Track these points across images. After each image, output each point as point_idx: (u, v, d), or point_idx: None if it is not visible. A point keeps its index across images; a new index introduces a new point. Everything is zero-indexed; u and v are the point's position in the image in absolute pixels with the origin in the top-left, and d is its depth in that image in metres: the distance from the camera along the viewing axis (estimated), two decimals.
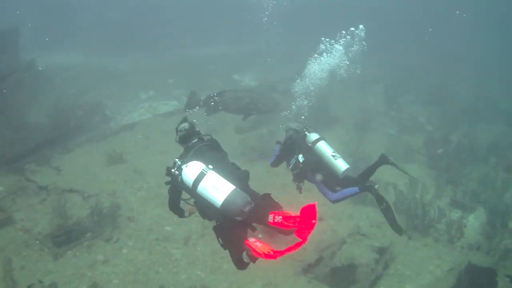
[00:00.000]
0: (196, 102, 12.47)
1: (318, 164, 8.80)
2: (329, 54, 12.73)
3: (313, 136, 8.92)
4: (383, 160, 8.80)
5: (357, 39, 13.53)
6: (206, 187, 5.32)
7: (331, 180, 8.67)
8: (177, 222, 11.64)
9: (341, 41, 12.92)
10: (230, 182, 5.41)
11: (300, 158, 8.88)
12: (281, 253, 5.12)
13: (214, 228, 5.77)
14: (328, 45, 12.88)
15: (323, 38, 12.97)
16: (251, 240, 5.49)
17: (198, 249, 10.84)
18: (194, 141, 6.36)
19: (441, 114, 22.07)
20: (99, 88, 23.18)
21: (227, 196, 5.22)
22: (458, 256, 11.20)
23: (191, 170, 5.50)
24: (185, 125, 6.63)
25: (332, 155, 8.55)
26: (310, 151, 8.83)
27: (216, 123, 15.34)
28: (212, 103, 12.58)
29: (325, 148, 8.74)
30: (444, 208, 12.99)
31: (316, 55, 12.57)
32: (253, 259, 5.47)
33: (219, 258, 10.42)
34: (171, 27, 33.61)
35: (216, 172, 5.47)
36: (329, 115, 19.57)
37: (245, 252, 5.48)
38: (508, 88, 28.56)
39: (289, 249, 5.12)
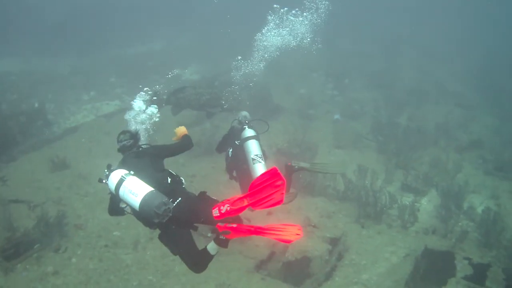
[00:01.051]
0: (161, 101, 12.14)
1: (237, 161, 9.18)
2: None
3: (248, 133, 9.15)
4: (290, 171, 9.16)
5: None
6: (125, 192, 5.66)
7: (245, 182, 8.74)
8: (125, 226, 11.61)
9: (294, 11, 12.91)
10: (149, 185, 5.73)
11: (230, 151, 9.33)
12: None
13: (159, 238, 6.29)
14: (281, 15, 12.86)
15: (276, 6, 12.92)
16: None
17: (148, 253, 10.70)
18: (130, 151, 6.81)
19: (387, 97, 22.23)
20: (40, 92, 22.64)
21: (142, 199, 5.49)
22: (413, 241, 11.33)
23: (112, 178, 5.91)
24: (124, 136, 7.00)
25: (252, 158, 8.81)
26: (241, 147, 9.09)
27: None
28: (174, 101, 12.83)
29: (250, 149, 8.95)
30: (396, 193, 13.14)
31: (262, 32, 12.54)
32: (226, 243, 6.14)
33: (170, 261, 10.28)
34: (109, 26, 33.21)
35: (136, 177, 5.82)
36: (272, 104, 19.37)
37: (218, 236, 6.07)
38: (452, 69, 29.14)
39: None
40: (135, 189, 5.58)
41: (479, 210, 12.60)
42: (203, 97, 13.18)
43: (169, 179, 6.43)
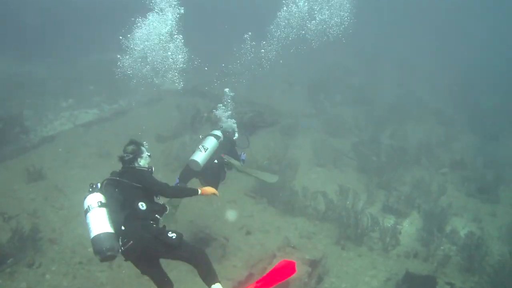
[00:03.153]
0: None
1: None
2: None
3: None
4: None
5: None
6: (87, 222, 6.31)
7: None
8: None
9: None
10: (109, 222, 6.31)
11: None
12: None
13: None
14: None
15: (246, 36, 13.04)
16: None
17: (123, 271, 10.58)
18: (123, 167, 7.22)
19: (368, 113, 22.52)
20: (18, 98, 22.43)
21: (93, 237, 6.17)
22: (394, 265, 11.52)
23: (85, 202, 6.49)
24: (127, 148, 7.39)
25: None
26: None
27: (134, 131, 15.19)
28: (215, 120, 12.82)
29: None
30: (377, 215, 13.31)
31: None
32: None
33: (146, 280, 10.11)
34: (88, 31, 33.05)
35: (99, 211, 6.34)
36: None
37: None
38: (433, 85, 29.56)
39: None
40: (92, 225, 6.21)
41: (462, 233, 12.85)
42: (246, 115, 13.86)
43: (137, 215, 6.67)
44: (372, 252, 11.92)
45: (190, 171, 10.19)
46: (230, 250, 11.34)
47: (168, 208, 7.22)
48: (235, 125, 11.33)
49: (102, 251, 6.07)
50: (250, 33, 14.63)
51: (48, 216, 12.68)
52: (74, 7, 37.07)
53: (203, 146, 9.96)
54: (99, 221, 6.22)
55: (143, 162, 7.39)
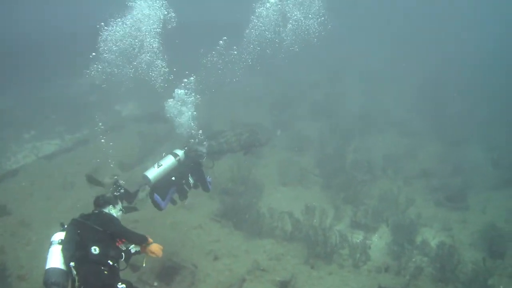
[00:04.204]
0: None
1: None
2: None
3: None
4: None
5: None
6: (48, 253, 6.74)
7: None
8: None
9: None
10: (63, 260, 6.63)
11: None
12: None
13: None
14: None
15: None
16: None
17: None
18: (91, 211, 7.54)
19: (332, 127, 22.53)
20: None
21: (45, 270, 6.54)
22: (366, 280, 11.49)
23: (52, 236, 6.90)
24: (97, 200, 7.72)
25: None
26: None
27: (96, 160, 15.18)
28: (217, 147, 13.71)
29: None
30: (345, 231, 13.40)
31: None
32: None
33: None
34: (47, 60, 32.75)
35: (56, 249, 6.71)
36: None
37: None
38: (397, 95, 29.81)
39: None
40: (48, 259, 6.63)
41: (433, 243, 12.89)
42: (243, 136, 14.08)
43: (88, 259, 6.74)
44: (342, 269, 11.88)
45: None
46: (199, 277, 11.24)
47: (124, 256, 7.21)
48: (203, 148, 11.56)
49: (47, 283, 6.40)
50: (225, 38, 14.75)
51: (16, 252, 12.49)
52: (33, 36, 36.79)
53: (158, 163, 10.49)
54: (53, 257, 6.61)
55: (114, 210, 7.67)
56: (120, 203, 7.93)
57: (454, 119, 25.00)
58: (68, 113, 24.45)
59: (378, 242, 13.40)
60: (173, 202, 10.81)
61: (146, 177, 10.31)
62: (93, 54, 13.78)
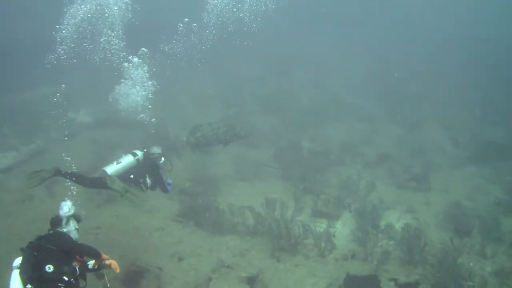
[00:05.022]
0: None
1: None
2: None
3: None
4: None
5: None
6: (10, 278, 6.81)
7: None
8: None
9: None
10: (23, 285, 6.66)
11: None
12: None
13: None
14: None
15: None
16: None
17: None
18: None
19: (285, 120, 22.41)
20: None
21: None
22: (333, 269, 11.33)
23: (14, 261, 6.99)
24: (52, 220, 7.73)
25: None
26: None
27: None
28: (194, 141, 14.16)
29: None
30: (308, 221, 13.19)
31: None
32: None
33: None
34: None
35: (15, 274, 6.78)
36: (169, 140, 19.14)
37: None
38: (347, 81, 30.01)
39: None
40: (9, 284, 6.72)
41: (398, 226, 12.85)
42: (220, 131, 14.41)
43: (44, 278, 6.80)
44: (308, 260, 11.69)
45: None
46: (165, 279, 11.00)
47: (78, 271, 7.26)
48: (159, 149, 11.74)
49: None
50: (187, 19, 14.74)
51: None
52: None
53: (117, 160, 10.87)
54: (12, 281, 6.71)
55: (67, 228, 7.67)
56: (74, 221, 7.85)
57: (410, 101, 25.23)
58: (21, 125, 23.82)
59: (342, 229, 13.25)
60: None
61: (104, 172, 10.61)
62: (48, 65, 13.57)
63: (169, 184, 11.59)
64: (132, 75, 13.40)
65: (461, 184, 16.47)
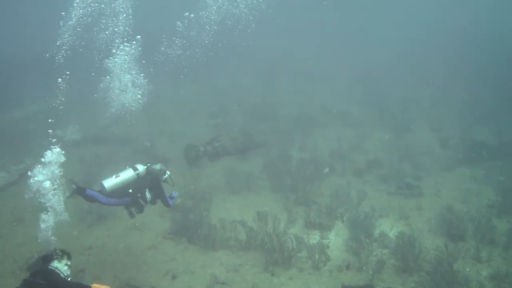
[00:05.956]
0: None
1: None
2: None
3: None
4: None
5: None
6: None
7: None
8: None
9: None
10: None
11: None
12: None
13: None
14: None
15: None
16: None
17: None
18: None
19: (273, 129, 22.46)
20: None
21: None
22: (328, 281, 11.34)
23: None
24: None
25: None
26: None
27: None
28: (212, 150, 14.89)
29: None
30: (301, 233, 13.22)
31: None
32: None
33: None
34: None
35: None
36: (158, 156, 19.12)
37: None
38: (334, 88, 30.08)
39: None
40: None
41: (391, 234, 12.88)
42: (238, 140, 15.42)
43: None
44: (303, 273, 11.69)
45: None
46: None
47: None
48: (163, 166, 11.95)
49: None
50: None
51: None
52: None
53: (117, 174, 10.81)
54: None
55: (59, 265, 7.71)
56: (66, 258, 7.91)
57: (397, 106, 25.36)
58: (10, 144, 23.66)
59: (336, 240, 13.28)
60: (131, 214, 11.19)
61: (102, 185, 10.56)
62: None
63: (173, 197, 11.81)
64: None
65: (452, 187, 16.56)
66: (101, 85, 14.32)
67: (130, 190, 10.88)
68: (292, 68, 34.89)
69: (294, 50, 39.86)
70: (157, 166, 11.67)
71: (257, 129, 16.70)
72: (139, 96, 14.29)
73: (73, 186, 10.38)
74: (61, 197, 9.32)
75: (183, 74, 21.68)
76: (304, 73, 33.88)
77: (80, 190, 10.38)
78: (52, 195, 8.73)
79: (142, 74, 14.44)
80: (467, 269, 11.39)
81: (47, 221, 8.57)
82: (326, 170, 17.80)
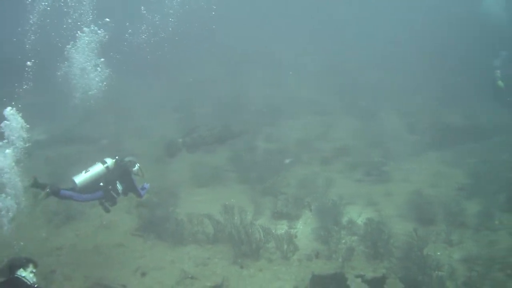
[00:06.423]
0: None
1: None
2: None
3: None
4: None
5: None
6: None
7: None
8: None
9: None
10: None
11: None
12: None
13: None
14: None
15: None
16: None
17: None
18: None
19: (239, 121, 22.26)
20: None
21: None
22: (298, 271, 11.20)
23: None
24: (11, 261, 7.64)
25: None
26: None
27: None
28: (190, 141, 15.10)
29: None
30: (268, 223, 13.07)
31: None
32: None
33: None
34: None
35: None
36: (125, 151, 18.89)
37: None
38: (301, 77, 30.04)
39: None
40: None
41: (360, 221, 12.75)
42: (216, 130, 15.99)
43: None
44: (272, 264, 11.54)
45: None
46: None
47: None
48: (133, 158, 11.92)
49: None
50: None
51: None
52: None
53: (87, 169, 10.80)
54: None
55: (25, 273, 7.49)
56: (31, 266, 7.67)
57: (365, 92, 25.39)
58: None
59: (304, 229, 13.15)
60: (106, 209, 11.09)
61: (73, 182, 10.56)
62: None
63: (145, 188, 11.70)
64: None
65: (422, 171, 16.60)
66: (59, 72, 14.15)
67: (101, 184, 10.87)
68: (265, 61, 34.76)
69: (274, 43, 39.70)
70: (127, 158, 11.59)
71: (235, 119, 16.97)
72: (97, 79, 14.13)
73: (48, 190, 10.33)
74: None
75: (147, 67, 21.42)
76: (275, 63, 33.80)
77: (55, 191, 10.27)
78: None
79: (103, 59, 14.27)
80: (438, 253, 11.29)
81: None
82: (288, 160, 17.73)
